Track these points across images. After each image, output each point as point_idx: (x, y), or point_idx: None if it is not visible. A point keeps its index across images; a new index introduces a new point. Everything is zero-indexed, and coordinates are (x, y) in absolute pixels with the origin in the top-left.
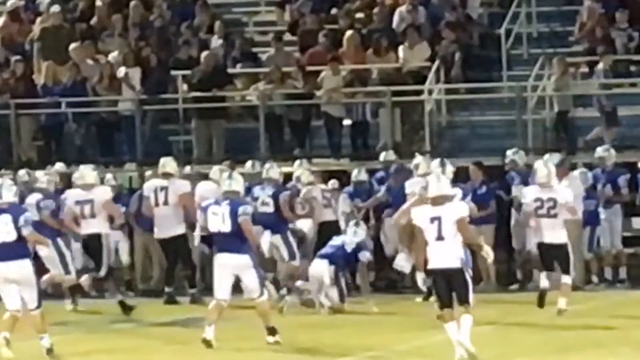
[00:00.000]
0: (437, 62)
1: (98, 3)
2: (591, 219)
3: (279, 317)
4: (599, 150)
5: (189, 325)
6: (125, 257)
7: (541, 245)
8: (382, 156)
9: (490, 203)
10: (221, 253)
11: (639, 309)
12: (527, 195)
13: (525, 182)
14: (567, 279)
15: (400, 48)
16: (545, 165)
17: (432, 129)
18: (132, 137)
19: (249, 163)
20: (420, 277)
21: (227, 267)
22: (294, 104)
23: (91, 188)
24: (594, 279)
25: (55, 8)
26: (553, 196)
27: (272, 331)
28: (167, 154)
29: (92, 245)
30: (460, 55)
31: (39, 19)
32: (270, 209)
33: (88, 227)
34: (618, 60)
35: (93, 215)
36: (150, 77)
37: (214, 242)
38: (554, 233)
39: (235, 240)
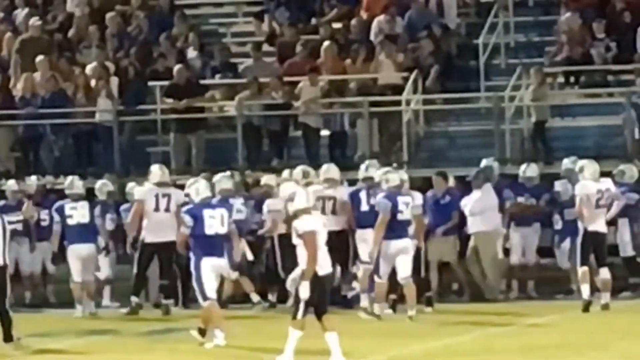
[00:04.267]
0: (414, 73)
1: (77, 14)
2: (570, 230)
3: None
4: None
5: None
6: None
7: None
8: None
9: (453, 214)
10: (213, 257)
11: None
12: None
13: (497, 192)
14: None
15: (378, 59)
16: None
17: (410, 139)
18: (110, 148)
19: (227, 173)
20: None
21: (216, 269)
22: (272, 115)
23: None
24: (574, 286)
25: (34, 20)
26: None
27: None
28: (145, 164)
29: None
30: (438, 65)
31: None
32: (243, 216)
33: None
34: (596, 71)
35: None
36: (128, 88)
37: (205, 245)
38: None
39: (225, 244)
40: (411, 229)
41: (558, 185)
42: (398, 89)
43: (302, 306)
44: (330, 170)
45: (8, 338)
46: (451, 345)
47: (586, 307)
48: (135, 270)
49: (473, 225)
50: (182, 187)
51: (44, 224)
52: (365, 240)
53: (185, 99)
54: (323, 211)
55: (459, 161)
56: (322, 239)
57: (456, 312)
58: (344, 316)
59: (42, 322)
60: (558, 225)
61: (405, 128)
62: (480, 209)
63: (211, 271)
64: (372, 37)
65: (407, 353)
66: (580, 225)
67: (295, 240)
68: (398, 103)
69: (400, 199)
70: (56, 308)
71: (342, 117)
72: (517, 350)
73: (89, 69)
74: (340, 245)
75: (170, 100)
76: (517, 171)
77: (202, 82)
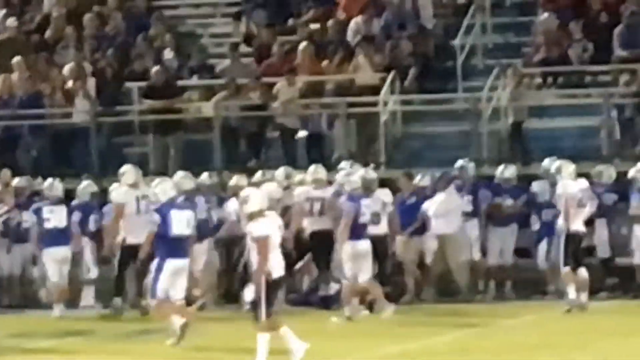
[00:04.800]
0: (392, 74)
1: (54, 15)
2: (548, 231)
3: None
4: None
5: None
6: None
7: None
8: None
9: (418, 215)
10: (180, 257)
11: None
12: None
13: (473, 193)
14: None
15: (356, 60)
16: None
17: (387, 140)
18: (88, 149)
19: (204, 175)
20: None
21: (179, 271)
22: (250, 116)
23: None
24: (551, 287)
25: (11, 21)
26: None
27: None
28: (123, 166)
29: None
30: (416, 66)
31: None
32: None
33: None
34: (573, 72)
35: None
36: (106, 89)
37: (170, 246)
38: None
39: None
40: (378, 229)
41: (536, 186)
42: (375, 90)
43: (263, 308)
44: (317, 171)
45: None
46: (428, 345)
47: (570, 309)
48: (116, 272)
49: (437, 228)
50: None
51: (26, 225)
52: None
53: (162, 100)
54: (311, 213)
55: (436, 162)
56: (275, 241)
57: (433, 312)
58: (321, 317)
59: (20, 323)
60: (536, 226)
61: (382, 129)
62: (444, 211)
63: (172, 274)
64: (349, 38)
65: (383, 354)
66: (562, 225)
67: (249, 243)
68: (375, 104)
69: (364, 202)
70: (35, 309)
71: (320, 118)
72: (493, 350)
73: (66, 69)
74: (324, 245)
75: (147, 101)
76: (494, 172)
77: (180, 83)
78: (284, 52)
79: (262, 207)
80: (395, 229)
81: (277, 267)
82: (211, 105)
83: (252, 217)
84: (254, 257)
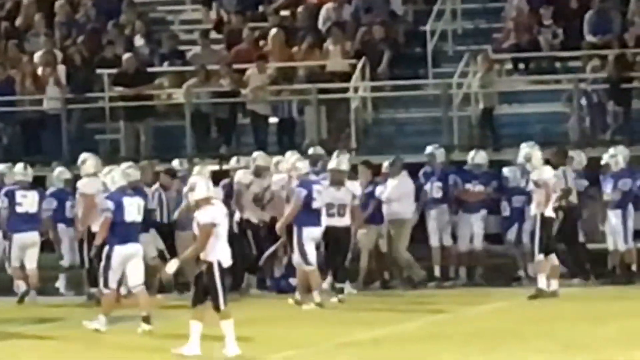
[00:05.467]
0: (362, 60)
1: (24, 2)
2: (518, 216)
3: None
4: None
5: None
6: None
7: None
8: (311, 150)
9: (370, 201)
10: (132, 243)
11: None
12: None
13: (443, 179)
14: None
15: (324, 46)
16: None
17: (358, 127)
18: (58, 136)
19: (175, 161)
20: None
21: (130, 257)
22: (220, 102)
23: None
24: (521, 273)
25: None
26: None
27: (147, 320)
28: (94, 152)
29: None
30: (388, 53)
31: None
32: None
33: None
34: (543, 58)
35: None
36: (76, 76)
37: (122, 232)
38: None
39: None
40: (342, 221)
41: (506, 172)
42: (346, 77)
43: (221, 296)
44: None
45: None
46: (397, 332)
47: (536, 296)
48: (87, 262)
49: (389, 213)
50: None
51: None
52: None
53: (133, 87)
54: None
55: (407, 148)
56: (223, 230)
57: (401, 299)
58: (281, 301)
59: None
60: (506, 212)
61: (353, 115)
62: (396, 196)
63: (122, 262)
64: (320, 25)
65: (353, 340)
66: (536, 211)
67: (195, 230)
68: (346, 90)
69: (315, 187)
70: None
71: (290, 104)
72: (463, 337)
73: (36, 57)
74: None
75: (118, 88)
76: (465, 158)
77: (150, 69)
78: (255, 38)
79: (209, 194)
80: (359, 221)
81: (225, 256)
82: (182, 91)
83: (198, 204)
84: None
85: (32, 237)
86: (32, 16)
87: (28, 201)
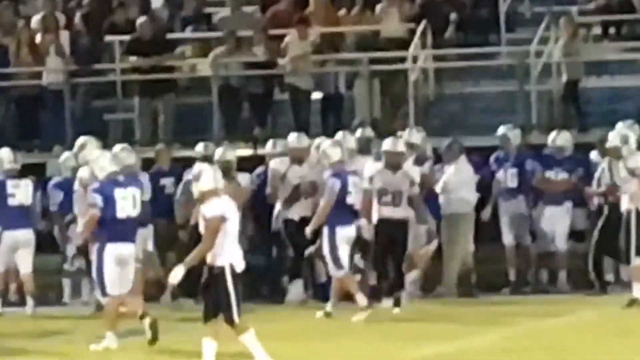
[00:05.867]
0: (422, 24)
1: None
2: None
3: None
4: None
5: None
6: None
7: None
8: (359, 133)
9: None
10: (121, 243)
11: None
12: None
13: (519, 166)
14: None
15: (378, 7)
16: None
17: (418, 103)
18: (61, 116)
19: (200, 145)
20: None
21: (124, 257)
22: (254, 75)
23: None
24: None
25: None
26: None
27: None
28: (103, 134)
29: None
30: (453, 15)
31: None
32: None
33: None
34: (638, 21)
35: None
36: (82, 44)
37: (114, 229)
38: None
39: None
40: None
41: (594, 157)
42: (403, 44)
43: (234, 305)
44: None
45: None
46: (464, 347)
47: (631, 305)
48: None
49: (446, 206)
50: (149, 161)
51: None
52: None
53: (150, 57)
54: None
55: (475, 128)
56: (233, 227)
57: (467, 308)
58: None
59: None
60: (594, 205)
61: (411, 90)
62: (453, 185)
63: (116, 263)
64: None
65: (411, 357)
66: (630, 206)
67: (201, 226)
68: (403, 60)
69: (351, 179)
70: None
71: (337, 77)
72: (542, 353)
73: (34, 21)
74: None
75: (132, 59)
76: (545, 140)
77: (170, 36)
78: None
79: (216, 186)
80: (420, 214)
81: (238, 259)
82: (208, 62)
83: (203, 197)
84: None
85: (26, 234)
86: None
87: (22, 192)
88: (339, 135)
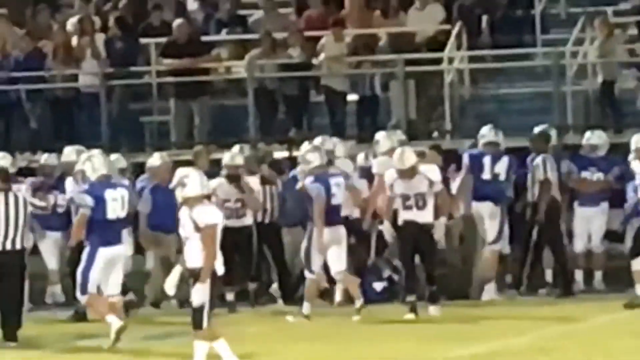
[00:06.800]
0: (458, 25)
1: None
2: None
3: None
4: None
5: None
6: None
7: None
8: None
9: None
10: (111, 246)
11: None
12: None
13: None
14: None
15: (412, 9)
16: None
17: (453, 104)
18: (96, 118)
19: (235, 147)
20: None
21: (119, 258)
22: (289, 77)
23: None
24: None
25: None
26: None
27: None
28: (138, 137)
29: None
30: (487, 16)
31: None
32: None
33: None
34: None
35: None
36: (118, 47)
37: (104, 231)
38: None
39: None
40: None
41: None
42: (439, 45)
43: (205, 311)
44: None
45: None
46: (499, 348)
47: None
48: None
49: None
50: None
51: (60, 210)
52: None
53: (185, 59)
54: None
55: (511, 129)
56: (219, 232)
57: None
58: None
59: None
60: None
61: (447, 91)
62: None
63: (106, 265)
64: None
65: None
66: None
67: (190, 233)
68: (439, 61)
69: (333, 180)
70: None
71: (373, 78)
72: (579, 353)
73: (70, 24)
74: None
75: (168, 61)
76: (580, 140)
77: (206, 38)
78: (330, 0)
79: (203, 192)
80: (447, 211)
81: (219, 263)
82: (243, 64)
83: (189, 202)
84: (193, 251)
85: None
86: None
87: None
88: (318, 140)
